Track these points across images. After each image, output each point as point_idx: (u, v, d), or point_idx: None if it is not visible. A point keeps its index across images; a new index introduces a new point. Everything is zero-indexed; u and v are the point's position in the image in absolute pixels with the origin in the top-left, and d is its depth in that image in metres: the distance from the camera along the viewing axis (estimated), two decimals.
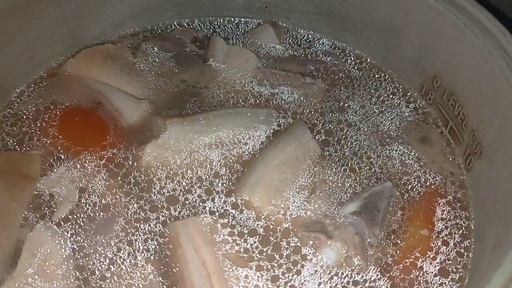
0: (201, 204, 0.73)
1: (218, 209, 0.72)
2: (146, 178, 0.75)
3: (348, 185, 0.76)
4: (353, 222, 0.70)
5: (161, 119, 0.81)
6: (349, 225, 0.70)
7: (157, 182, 0.74)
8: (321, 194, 0.74)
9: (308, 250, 0.69)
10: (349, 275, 0.68)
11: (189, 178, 0.75)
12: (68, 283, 0.65)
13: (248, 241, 0.69)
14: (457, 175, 0.78)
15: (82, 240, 0.69)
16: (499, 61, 0.68)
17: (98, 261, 0.67)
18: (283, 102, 0.86)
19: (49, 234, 0.68)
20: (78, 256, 0.67)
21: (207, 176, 0.75)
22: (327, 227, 0.70)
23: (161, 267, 0.67)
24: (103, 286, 0.65)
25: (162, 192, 0.74)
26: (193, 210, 0.72)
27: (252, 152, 0.78)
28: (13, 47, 0.80)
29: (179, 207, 0.72)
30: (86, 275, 0.66)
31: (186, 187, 0.74)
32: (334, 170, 0.77)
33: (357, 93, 0.88)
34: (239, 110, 0.82)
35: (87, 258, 0.67)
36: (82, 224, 0.70)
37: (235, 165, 0.77)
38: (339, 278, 0.67)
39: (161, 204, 0.73)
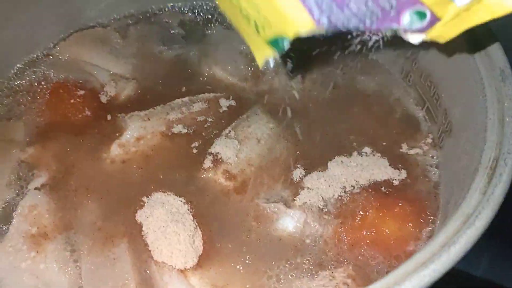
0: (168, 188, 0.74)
1: (183, 190, 0.74)
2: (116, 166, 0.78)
3: (310, 157, 0.77)
4: (310, 192, 0.72)
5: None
6: (307, 194, 0.72)
7: (125, 169, 0.77)
8: (281, 168, 0.76)
9: (269, 219, 0.71)
10: (308, 241, 0.70)
11: (154, 165, 0.77)
12: (57, 247, 0.68)
13: (210, 213, 0.72)
14: (433, 153, 0.79)
15: (67, 208, 0.73)
16: (464, 41, 0.68)
17: (83, 229, 0.70)
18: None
19: (38, 201, 0.72)
20: (65, 224, 0.71)
21: (172, 161, 0.77)
22: (287, 197, 0.73)
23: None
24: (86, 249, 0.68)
25: (132, 177, 0.76)
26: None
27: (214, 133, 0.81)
28: (12, 26, 0.86)
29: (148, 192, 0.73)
30: (71, 238, 0.70)
31: (154, 177, 0.76)
32: (295, 144, 0.79)
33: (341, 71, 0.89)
34: (194, 98, 0.84)
35: (73, 229, 0.71)
36: (66, 193, 0.74)
37: (197, 147, 0.79)
38: (300, 245, 0.69)
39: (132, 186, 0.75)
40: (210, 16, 1.00)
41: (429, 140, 0.80)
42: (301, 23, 0.49)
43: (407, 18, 0.50)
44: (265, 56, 0.55)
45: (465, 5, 0.49)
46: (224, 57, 0.89)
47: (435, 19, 0.50)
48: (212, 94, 0.86)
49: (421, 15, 0.50)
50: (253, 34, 0.55)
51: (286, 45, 0.52)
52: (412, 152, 0.78)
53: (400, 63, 0.87)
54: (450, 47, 0.71)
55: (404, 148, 0.79)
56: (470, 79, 0.68)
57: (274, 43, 0.53)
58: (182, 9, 1.01)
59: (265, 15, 0.52)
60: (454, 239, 0.49)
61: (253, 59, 0.84)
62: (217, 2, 0.60)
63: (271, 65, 0.56)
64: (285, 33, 0.51)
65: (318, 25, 0.50)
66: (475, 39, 0.68)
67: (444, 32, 0.51)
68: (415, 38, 0.52)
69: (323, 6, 0.48)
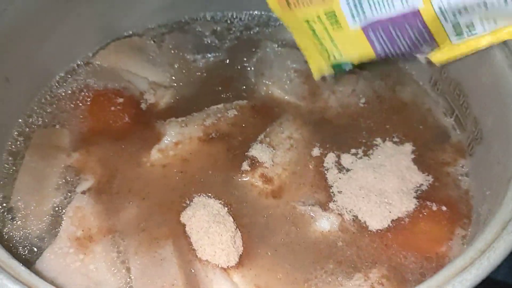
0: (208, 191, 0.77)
1: (222, 192, 0.77)
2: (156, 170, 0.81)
3: (343, 162, 0.80)
4: (344, 195, 0.76)
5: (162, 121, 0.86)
6: (341, 197, 0.76)
7: (166, 173, 0.80)
8: (315, 172, 0.80)
9: (306, 222, 0.75)
10: (343, 243, 0.73)
11: (193, 169, 0.80)
12: (104, 248, 0.71)
13: (249, 216, 0.75)
14: (462, 163, 0.81)
15: (111, 210, 0.76)
16: (498, 52, 0.72)
17: (128, 230, 0.74)
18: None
19: (83, 204, 0.75)
20: (110, 226, 0.74)
21: (210, 165, 0.80)
22: (322, 200, 0.76)
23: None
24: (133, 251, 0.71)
25: (172, 180, 0.79)
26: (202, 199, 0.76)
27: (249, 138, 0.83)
28: (54, 38, 0.89)
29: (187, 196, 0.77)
30: (117, 240, 0.73)
31: (194, 180, 0.79)
32: (329, 149, 0.82)
33: (368, 82, 0.92)
34: (228, 105, 0.88)
35: (118, 231, 0.74)
36: (110, 196, 0.77)
37: (233, 152, 0.82)
38: (335, 247, 0.73)
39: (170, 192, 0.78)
40: (244, 25, 1.03)
41: (459, 149, 0.82)
42: (366, 55, 0.75)
43: (425, 48, 0.73)
44: (321, 71, 0.80)
45: (457, 43, 0.71)
46: (280, 76, 0.92)
47: (436, 46, 0.72)
48: (245, 101, 0.89)
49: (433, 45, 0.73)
50: (314, 51, 0.79)
51: (348, 68, 0.78)
52: (441, 161, 0.81)
53: (429, 72, 0.90)
54: (482, 57, 0.74)
55: (434, 157, 0.81)
56: (502, 88, 0.71)
57: (337, 66, 0.78)
58: (214, 18, 1.04)
59: (338, 46, 0.76)
60: (493, 245, 0.52)
61: (308, 77, 0.87)
62: (277, 15, 0.80)
63: (328, 79, 0.80)
64: (352, 61, 0.77)
65: (377, 56, 0.75)
66: (508, 49, 0.71)
67: (439, 58, 0.74)
68: (422, 59, 0.75)
69: (383, 44, 0.73)
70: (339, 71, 0.79)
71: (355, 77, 0.91)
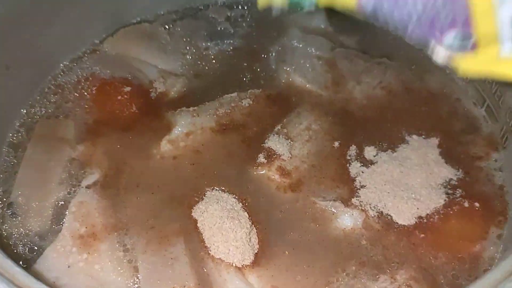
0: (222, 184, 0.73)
1: (236, 186, 0.73)
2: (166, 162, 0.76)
3: (366, 155, 0.75)
4: (368, 190, 0.71)
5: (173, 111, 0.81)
6: (365, 192, 0.71)
7: (176, 166, 0.76)
8: (337, 165, 0.75)
9: (327, 218, 0.70)
10: (367, 242, 0.68)
11: (205, 161, 0.76)
12: (110, 247, 0.66)
13: (265, 211, 0.70)
14: (495, 156, 0.76)
15: (117, 206, 0.71)
16: None
17: (135, 227, 0.69)
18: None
19: (87, 199, 0.71)
20: (115, 223, 0.69)
21: (223, 157, 0.76)
22: (344, 195, 0.71)
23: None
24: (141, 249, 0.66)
25: (184, 173, 0.75)
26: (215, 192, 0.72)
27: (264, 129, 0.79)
28: (59, 24, 0.84)
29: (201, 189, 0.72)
30: (123, 238, 0.68)
31: (206, 173, 0.75)
32: (351, 141, 0.78)
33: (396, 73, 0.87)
34: (243, 94, 0.83)
35: (125, 228, 0.69)
36: (116, 191, 0.73)
37: (248, 143, 0.78)
38: (358, 246, 0.68)
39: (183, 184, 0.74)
40: (259, 12, 0.97)
41: (491, 141, 0.77)
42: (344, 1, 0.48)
43: (451, 36, 0.46)
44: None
45: (505, 57, 0.45)
46: (303, 63, 0.87)
47: (470, 44, 0.46)
48: (260, 90, 0.85)
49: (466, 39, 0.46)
50: None
51: (309, 6, 0.52)
52: (472, 154, 0.76)
53: None
54: None
55: (464, 150, 0.77)
56: None
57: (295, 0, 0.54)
58: (227, 4, 0.99)
59: None
60: None
61: (332, 66, 0.82)
62: None
63: (274, 12, 0.56)
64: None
65: (359, 6, 0.48)
66: None
67: (469, 66, 0.48)
68: (440, 57, 0.48)
69: None
70: (296, 6, 0.55)
71: (383, 68, 0.87)
